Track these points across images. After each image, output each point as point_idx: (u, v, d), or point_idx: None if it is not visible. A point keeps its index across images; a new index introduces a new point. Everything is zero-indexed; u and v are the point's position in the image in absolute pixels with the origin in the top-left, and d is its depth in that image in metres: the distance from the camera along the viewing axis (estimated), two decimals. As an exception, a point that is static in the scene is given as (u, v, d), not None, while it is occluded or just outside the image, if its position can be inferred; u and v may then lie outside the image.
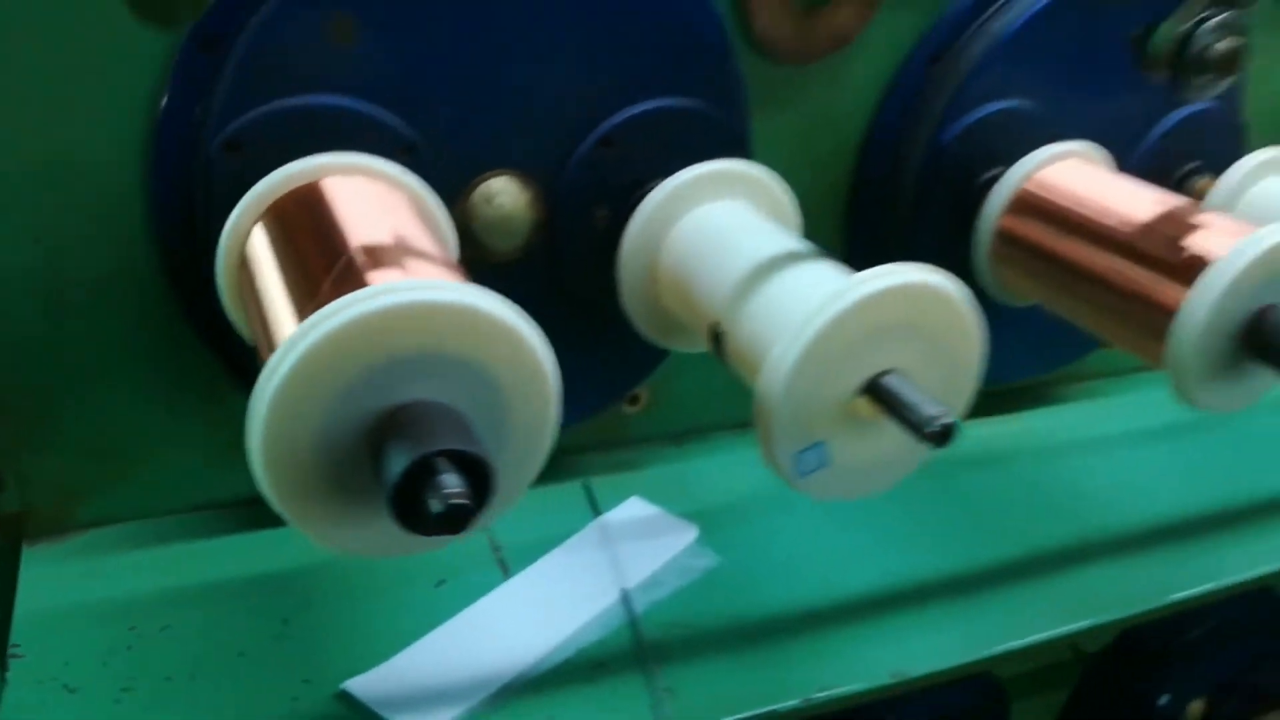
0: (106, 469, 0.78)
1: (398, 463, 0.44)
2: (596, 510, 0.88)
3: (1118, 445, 1.11)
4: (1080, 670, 1.46)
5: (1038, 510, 0.99)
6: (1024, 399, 1.17)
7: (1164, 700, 1.21)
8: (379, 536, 0.50)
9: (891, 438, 0.59)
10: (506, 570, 0.80)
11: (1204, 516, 1.01)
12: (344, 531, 0.50)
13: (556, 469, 0.91)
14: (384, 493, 0.45)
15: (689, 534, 0.85)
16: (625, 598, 0.78)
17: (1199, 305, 0.69)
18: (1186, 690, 1.23)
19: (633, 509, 0.88)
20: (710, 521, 0.88)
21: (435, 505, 0.43)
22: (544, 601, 0.76)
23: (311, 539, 0.50)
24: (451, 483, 0.43)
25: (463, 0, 0.68)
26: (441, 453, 0.44)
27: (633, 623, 0.76)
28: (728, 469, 0.96)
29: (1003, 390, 1.16)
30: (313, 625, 0.73)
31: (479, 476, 0.45)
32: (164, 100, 0.68)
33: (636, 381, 0.90)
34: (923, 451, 0.62)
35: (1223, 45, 0.66)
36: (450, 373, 0.48)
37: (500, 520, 0.83)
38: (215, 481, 0.82)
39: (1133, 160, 1.00)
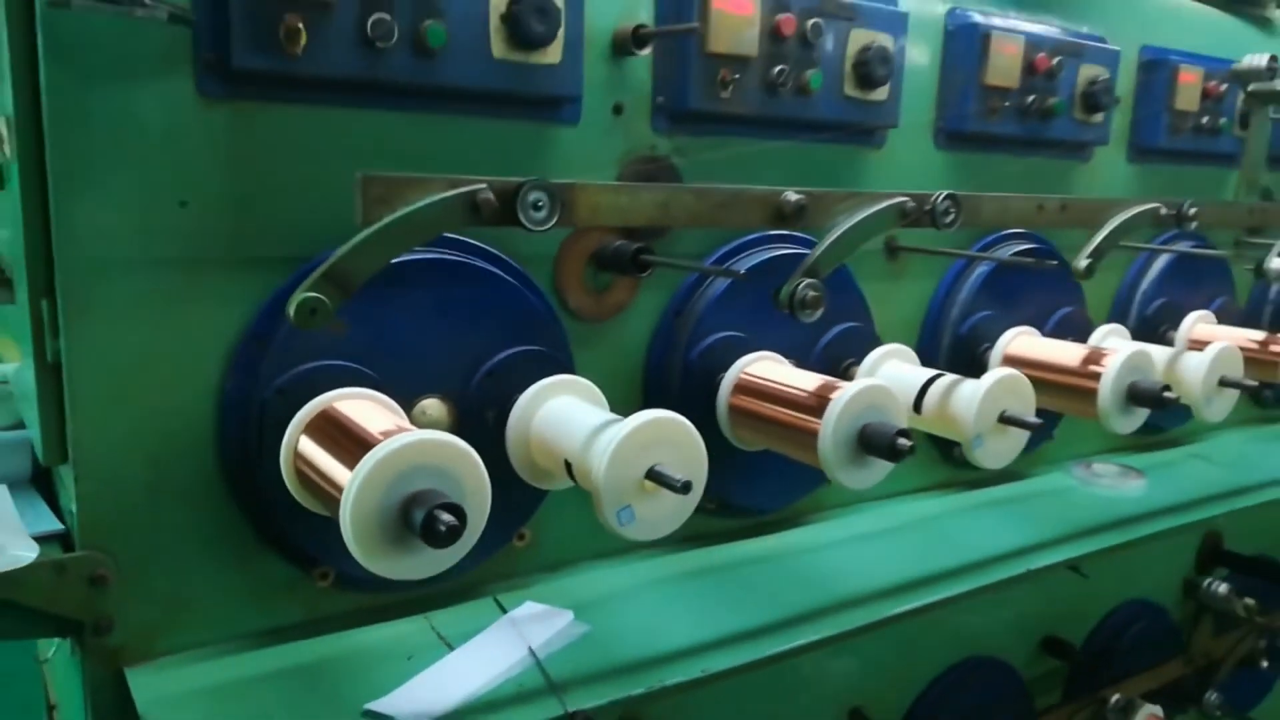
0: (181, 613, 1.19)
1: (420, 513, 0.93)
2: (504, 610, 1.33)
3: (847, 545, 1.67)
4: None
5: (797, 585, 1.51)
6: (782, 525, 1.72)
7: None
8: (409, 563, 0.97)
9: (667, 500, 1.11)
10: (451, 647, 1.24)
11: (906, 581, 1.56)
12: (389, 564, 0.96)
13: (474, 593, 1.37)
14: (415, 530, 0.93)
15: (567, 616, 1.32)
16: (531, 652, 1.23)
17: (826, 427, 1.27)
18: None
19: (528, 607, 1.34)
20: (580, 610, 1.35)
21: (441, 528, 0.92)
22: (481, 658, 1.21)
23: (375, 571, 0.96)
24: (447, 517, 0.92)
25: (403, 310, 1.23)
26: (440, 505, 0.93)
27: (539, 664, 1.21)
28: (587, 582, 1.44)
29: (767, 520, 1.71)
30: (332, 687, 1.15)
31: (459, 515, 0.94)
32: (229, 380, 1.18)
33: (523, 522, 1.39)
34: (686, 506, 1.14)
35: (811, 294, 1.27)
36: (436, 474, 0.97)
37: (442, 623, 1.28)
38: (254, 618, 1.24)
39: (811, 360, 1.61)
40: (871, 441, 1.28)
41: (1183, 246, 2.18)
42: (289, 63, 1.12)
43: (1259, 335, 1.99)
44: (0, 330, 1.76)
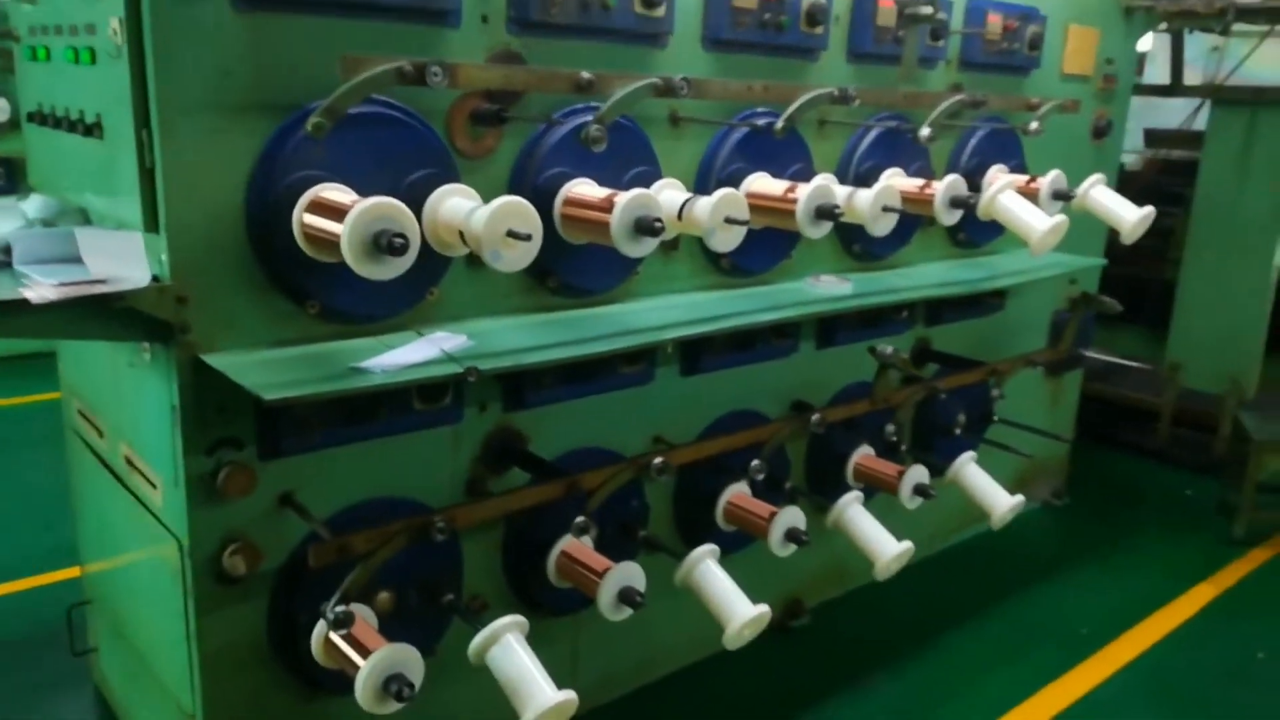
0: (225, 326, 1.99)
1: (384, 238, 1.76)
2: (420, 335, 2.18)
3: (643, 311, 2.57)
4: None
5: (606, 326, 2.40)
6: (605, 302, 2.60)
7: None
8: (380, 269, 1.80)
9: (519, 247, 1.96)
10: (390, 348, 2.09)
11: (675, 322, 2.47)
12: (370, 268, 1.79)
13: (403, 328, 2.22)
14: (383, 249, 1.76)
15: (463, 336, 2.18)
16: (444, 351, 2.09)
17: (615, 216, 2.14)
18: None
19: (437, 334, 2.19)
20: (470, 336, 2.21)
21: (397, 244, 1.76)
22: (413, 350, 2.06)
23: (363, 273, 1.79)
24: (399, 239, 1.76)
25: (359, 143, 2.02)
26: (395, 233, 1.77)
27: (447, 353, 2.07)
28: (475, 325, 2.30)
29: (595, 299, 2.59)
30: (324, 361, 1.98)
31: (407, 240, 1.78)
32: (253, 181, 1.96)
33: (434, 283, 2.24)
34: (530, 252, 2.00)
35: (595, 133, 2.12)
36: (388, 220, 1.80)
37: (385, 340, 2.12)
38: (269, 335, 2.05)
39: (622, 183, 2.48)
40: (640, 225, 2.16)
41: (890, 124, 3.14)
42: (286, -12, 1.89)
43: (920, 183, 2.97)
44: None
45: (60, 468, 4.57)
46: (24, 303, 1.81)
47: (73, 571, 3.44)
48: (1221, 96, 4.93)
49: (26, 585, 3.56)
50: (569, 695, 2.10)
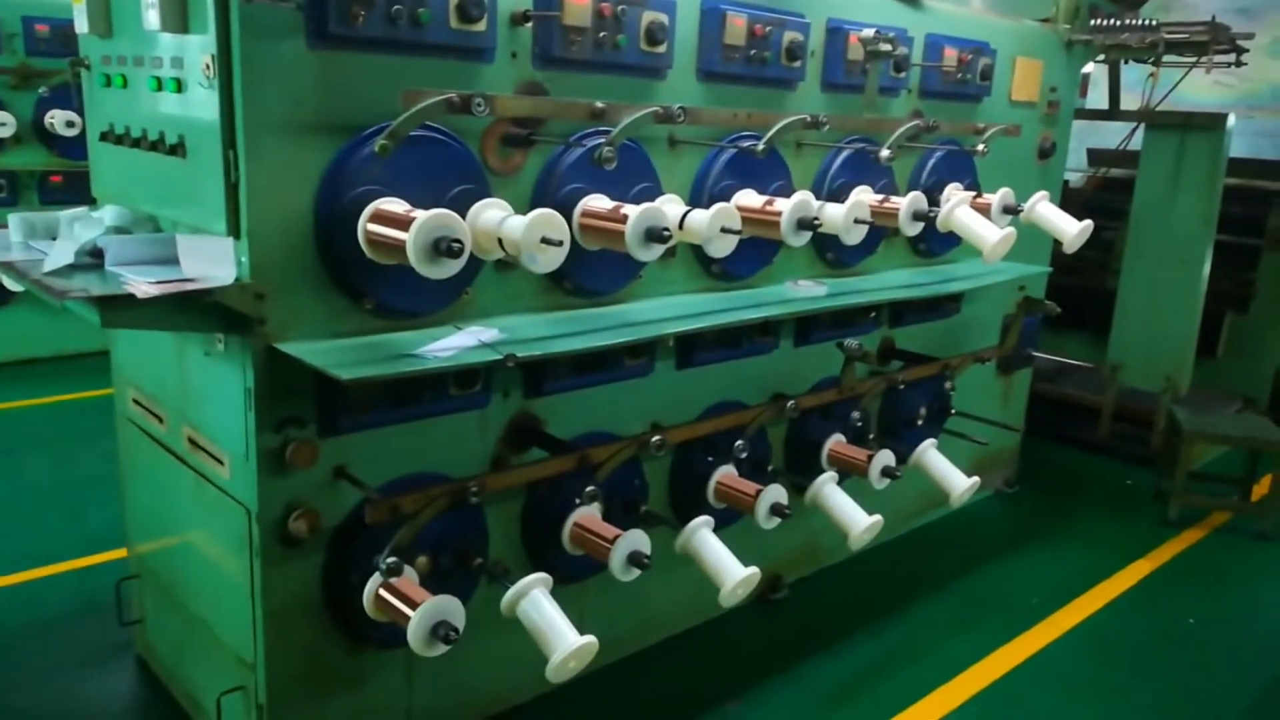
0: (294, 319, 2.30)
1: (444, 242, 2.09)
2: (458, 328, 2.50)
3: (646, 309, 2.91)
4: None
5: (616, 320, 2.74)
6: (613, 301, 2.94)
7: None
8: (439, 269, 2.12)
9: (551, 252, 2.30)
10: (434, 340, 2.41)
11: (672, 316, 2.82)
12: (431, 269, 2.11)
13: (443, 323, 2.55)
14: (441, 251, 2.09)
15: (495, 330, 2.50)
16: (480, 342, 2.41)
17: (629, 226, 2.48)
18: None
19: (473, 327, 2.51)
20: (502, 329, 2.53)
21: (455, 247, 2.08)
22: (457, 340, 2.38)
23: (424, 273, 2.11)
24: (456, 244, 2.09)
25: (411, 161, 2.34)
26: (453, 239, 2.10)
27: (482, 343, 2.40)
28: (503, 320, 2.62)
29: (604, 299, 2.92)
30: (381, 348, 2.30)
31: (460, 244, 2.10)
32: (321, 193, 2.27)
33: (468, 284, 2.56)
34: (560, 255, 2.33)
35: (607, 153, 2.46)
36: (445, 228, 2.13)
37: (429, 334, 2.46)
38: (330, 328, 2.36)
39: (629, 198, 2.82)
40: (650, 233, 2.50)
41: (858, 145, 3.52)
42: (354, 29, 2.21)
43: (880, 198, 3.35)
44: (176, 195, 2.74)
45: (69, 466, 4.85)
46: (129, 297, 2.11)
47: (101, 556, 3.72)
48: (1154, 120, 5.41)
49: (55, 570, 3.80)
50: (590, 639, 2.43)
